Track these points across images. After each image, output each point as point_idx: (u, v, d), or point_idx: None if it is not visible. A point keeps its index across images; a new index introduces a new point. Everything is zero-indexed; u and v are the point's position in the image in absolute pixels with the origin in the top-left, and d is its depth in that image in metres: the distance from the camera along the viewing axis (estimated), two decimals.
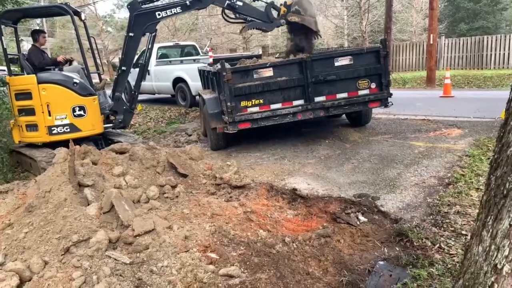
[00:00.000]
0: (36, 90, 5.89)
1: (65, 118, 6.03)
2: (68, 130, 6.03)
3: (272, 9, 6.65)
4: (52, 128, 6.01)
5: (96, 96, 6.29)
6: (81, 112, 6.05)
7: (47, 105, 5.92)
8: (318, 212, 4.09)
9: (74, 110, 6.01)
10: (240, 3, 6.43)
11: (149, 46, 6.86)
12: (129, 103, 6.96)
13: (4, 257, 3.08)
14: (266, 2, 6.71)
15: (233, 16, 6.76)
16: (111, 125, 6.75)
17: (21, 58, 6.29)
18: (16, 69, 6.90)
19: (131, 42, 6.50)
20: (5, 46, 6.19)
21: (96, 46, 6.86)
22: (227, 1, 6.39)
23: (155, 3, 6.63)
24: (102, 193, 3.88)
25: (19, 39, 7.07)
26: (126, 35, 6.54)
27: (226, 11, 6.70)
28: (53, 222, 3.30)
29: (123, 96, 6.81)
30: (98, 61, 7.07)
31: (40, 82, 5.90)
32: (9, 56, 6.33)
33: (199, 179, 4.73)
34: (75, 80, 6.03)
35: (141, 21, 6.44)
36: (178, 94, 11.66)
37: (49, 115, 5.95)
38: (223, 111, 6.06)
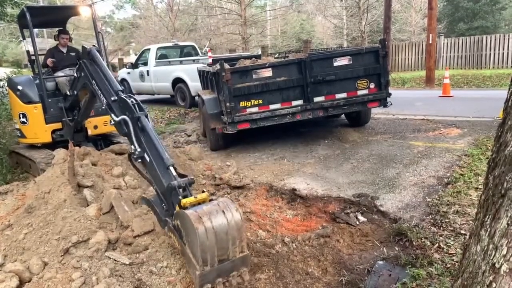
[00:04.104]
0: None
1: (16, 123, 6.10)
2: (19, 135, 6.09)
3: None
4: (16, 130, 6.19)
5: (38, 105, 5.78)
6: (24, 120, 5.91)
7: (11, 108, 6.12)
8: (317, 212, 4.10)
9: (19, 117, 5.95)
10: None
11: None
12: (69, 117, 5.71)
13: (3, 258, 3.09)
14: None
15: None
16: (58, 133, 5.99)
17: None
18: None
19: None
20: (27, 49, 6.18)
21: (103, 41, 6.57)
22: None
23: None
24: (102, 193, 3.88)
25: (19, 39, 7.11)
26: None
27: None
28: (52, 223, 3.31)
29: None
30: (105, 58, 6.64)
31: (7, 85, 6.13)
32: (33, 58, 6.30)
33: (199, 179, 4.73)
34: (18, 87, 5.91)
35: None
36: (177, 95, 11.65)
37: (13, 118, 6.12)
38: (222, 111, 6.06)
